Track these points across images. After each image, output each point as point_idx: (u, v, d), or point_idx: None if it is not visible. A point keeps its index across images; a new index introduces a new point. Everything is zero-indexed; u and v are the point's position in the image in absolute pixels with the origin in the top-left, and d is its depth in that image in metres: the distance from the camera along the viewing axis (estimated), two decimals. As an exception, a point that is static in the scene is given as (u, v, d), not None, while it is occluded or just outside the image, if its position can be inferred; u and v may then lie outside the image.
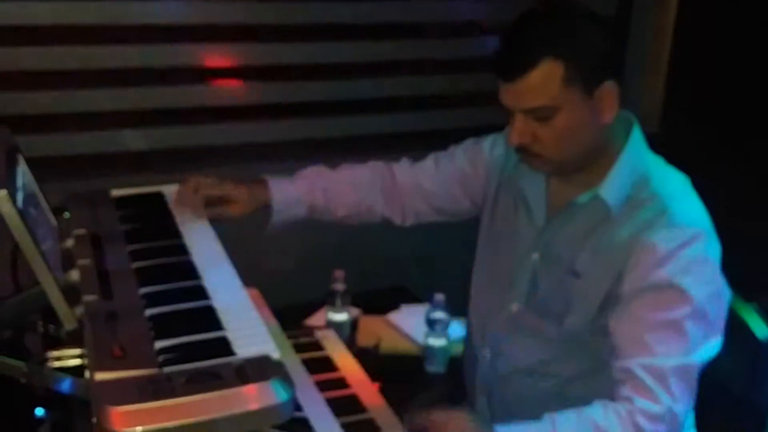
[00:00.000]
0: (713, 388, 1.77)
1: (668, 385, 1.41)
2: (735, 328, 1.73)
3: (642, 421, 1.41)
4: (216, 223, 1.67)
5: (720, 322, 1.49)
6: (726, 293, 1.52)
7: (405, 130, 3.00)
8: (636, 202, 1.53)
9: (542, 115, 1.47)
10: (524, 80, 1.45)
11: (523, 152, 1.55)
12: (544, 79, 1.44)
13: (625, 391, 1.44)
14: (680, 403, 1.43)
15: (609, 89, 1.48)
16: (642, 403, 1.42)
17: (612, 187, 1.54)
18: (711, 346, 1.48)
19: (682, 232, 1.46)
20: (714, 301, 1.48)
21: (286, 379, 1.10)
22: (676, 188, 1.55)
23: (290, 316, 2.07)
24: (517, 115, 1.50)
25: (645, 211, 1.51)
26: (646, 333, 1.45)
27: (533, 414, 1.66)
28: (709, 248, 1.48)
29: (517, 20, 1.51)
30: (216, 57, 2.62)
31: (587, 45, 1.47)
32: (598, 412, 1.42)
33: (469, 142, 1.88)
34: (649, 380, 1.42)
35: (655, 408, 1.41)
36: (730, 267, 1.65)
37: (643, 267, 1.47)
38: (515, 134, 1.51)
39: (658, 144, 1.65)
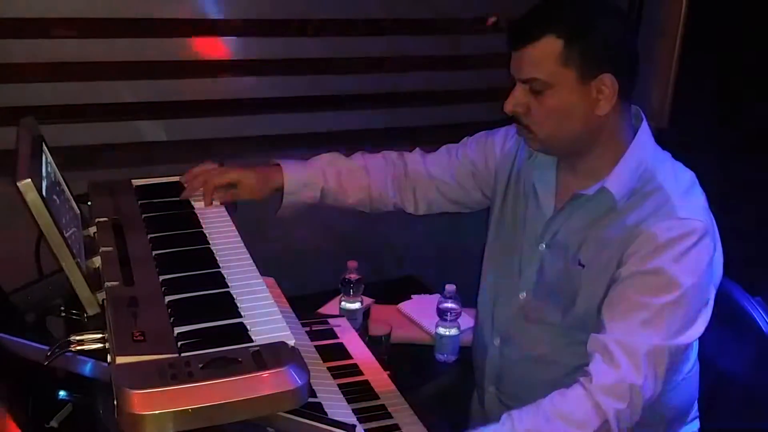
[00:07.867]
0: (719, 380, 1.80)
1: (638, 364, 1.43)
2: (741, 321, 1.76)
3: (602, 399, 1.41)
4: (234, 212, 1.67)
5: (698, 313, 1.50)
6: (709, 287, 1.53)
7: (422, 124, 2.99)
8: (641, 195, 1.55)
9: (536, 88, 1.53)
10: (526, 51, 1.52)
11: (516, 123, 1.60)
12: (543, 54, 1.50)
13: (591, 365, 1.45)
14: (647, 383, 1.43)
15: (607, 82, 1.51)
16: (603, 378, 1.42)
17: (618, 180, 1.56)
18: (687, 334, 1.49)
19: (681, 225, 1.48)
20: (697, 292, 1.49)
21: (302, 366, 1.10)
22: (682, 183, 1.57)
23: (305, 305, 2.10)
24: (517, 83, 1.56)
25: (649, 203, 1.53)
26: (629, 313, 1.47)
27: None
28: (703, 243, 1.49)
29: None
30: (232, 50, 2.64)
31: (593, 33, 1.50)
32: (556, 399, 1.43)
33: (481, 135, 1.89)
34: (619, 354, 1.43)
35: (618, 383, 1.41)
36: (736, 261, 1.66)
37: (640, 253, 1.49)
38: (510, 101, 1.57)
39: (666, 140, 1.68)
